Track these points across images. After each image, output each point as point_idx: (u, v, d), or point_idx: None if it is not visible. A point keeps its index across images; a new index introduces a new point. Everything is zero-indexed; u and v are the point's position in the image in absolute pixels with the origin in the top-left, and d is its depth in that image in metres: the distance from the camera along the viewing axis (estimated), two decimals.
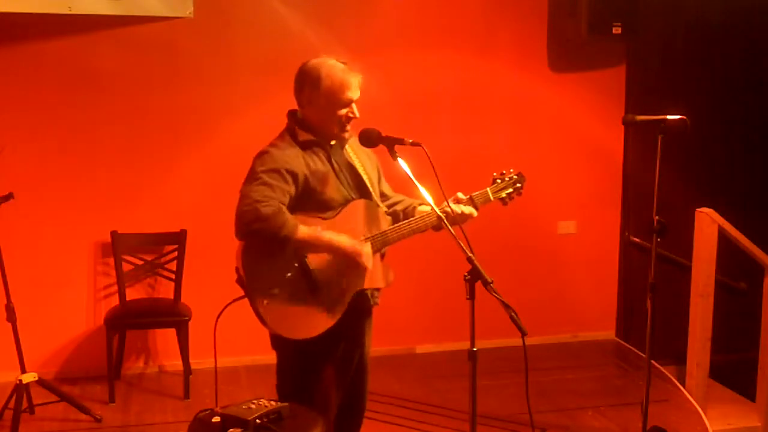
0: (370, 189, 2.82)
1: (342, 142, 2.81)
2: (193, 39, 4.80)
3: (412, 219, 2.83)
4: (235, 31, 4.88)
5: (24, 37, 4.61)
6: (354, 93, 2.71)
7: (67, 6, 4.44)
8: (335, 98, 2.68)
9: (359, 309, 2.77)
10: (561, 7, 5.23)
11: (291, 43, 4.79)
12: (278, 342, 2.74)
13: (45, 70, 4.66)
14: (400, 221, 2.88)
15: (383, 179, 3.00)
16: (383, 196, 2.95)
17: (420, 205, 2.95)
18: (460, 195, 2.88)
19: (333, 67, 2.70)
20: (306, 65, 2.73)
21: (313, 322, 2.63)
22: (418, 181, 2.52)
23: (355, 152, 2.85)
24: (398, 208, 2.97)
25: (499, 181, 3.02)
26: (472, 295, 2.37)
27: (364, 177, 2.82)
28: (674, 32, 5.42)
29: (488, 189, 2.99)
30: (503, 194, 3.02)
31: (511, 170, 3.06)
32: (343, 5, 5.00)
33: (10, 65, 4.61)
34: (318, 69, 2.69)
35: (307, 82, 2.70)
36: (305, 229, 2.57)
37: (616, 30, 5.04)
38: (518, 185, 3.05)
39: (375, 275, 2.78)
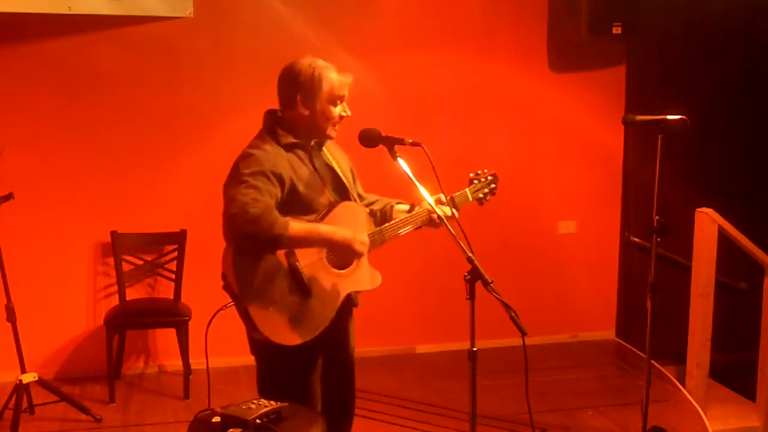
0: (349, 190, 2.82)
1: (322, 143, 2.80)
2: (193, 39, 4.80)
3: (400, 220, 2.82)
4: (235, 31, 4.88)
5: (24, 37, 4.61)
6: (346, 92, 2.73)
7: (67, 6, 4.44)
8: (333, 97, 2.68)
9: (343, 310, 2.76)
10: (561, 7, 5.23)
11: (291, 43, 4.79)
12: (261, 347, 2.71)
13: (45, 70, 4.67)
14: (378, 221, 2.88)
15: (357, 180, 2.99)
16: (359, 197, 2.95)
17: (398, 203, 2.95)
18: (441, 197, 2.88)
19: (327, 68, 2.69)
20: (298, 67, 2.70)
21: (305, 328, 2.61)
22: (418, 181, 2.52)
23: (331, 153, 2.84)
24: (375, 207, 2.97)
25: (476, 181, 3.07)
26: (472, 295, 2.37)
27: (342, 178, 2.81)
28: (674, 32, 5.42)
29: (467, 189, 3.03)
30: (480, 195, 3.06)
31: (485, 171, 3.10)
32: (343, 5, 5.00)
33: (10, 65, 4.61)
34: (314, 71, 2.67)
35: (303, 85, 2.67)
36: (296, 224, 2.54)
37: (616, 30, 5.04)
38: (493, 186, 3.10)
39: (365, 277, 2.77)
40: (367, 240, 2.68)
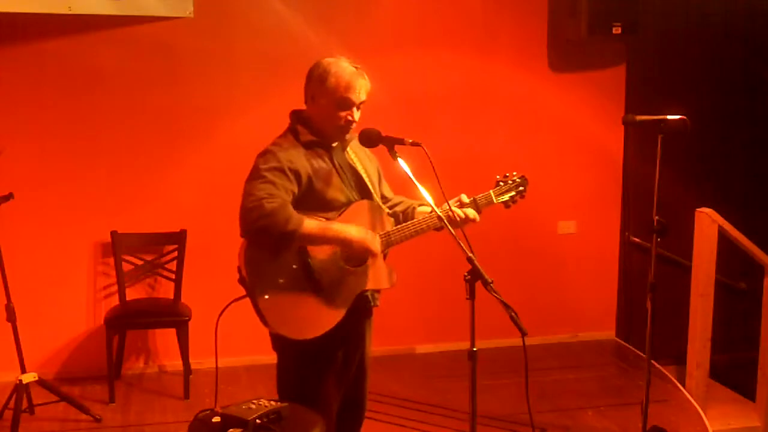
0: (372, 190, 2.82)
1: (343, 144, 2.81)
2: (193, 39, 4.80)
3: (415, 221, 2.82)
4: (235, 31, 4.88)
5: (24, 37, 4.61)
6: (357, 97, 2.69)
7: (67, 6, 4.45)
8: (338, 97, 2.67)
9: (360, 310, 2.77)
10: (561, 7, 5.23)
11: (291, 43, 4.79)
12: (279, 343, 2.74)
13: (45, 70, 4.67)
14: (400, 222, 2.88)
15: (384, 181, 3.00)
16: (384, 198, 2.95)
17: (420, 206, 2.95)
18: (463, 198, 2.87)
19: (344, 68, 2.69)
20: (318, 63, 2.74)
21: (315, 323, 2.62)
22: (419, 181, 2.52)
23: (356, 154, 2.85)
24: (398, 209, 2.98)
25: (502, 183, 3.00)
26: (472, 295, 2.37)
27: (366, 178, 2.82)
28: (674, 32, 5.42)
29: (491, 192, 2.97)
30: (506, 197, 2.99)
31: (514, 173, 3.04)
32: (343, 5, 5.00)
33: (10, 65, 4.61)
34: (328, 66, 2.69)
35: (315, 76, 2.70)
36: (311, 222, 2.56)
37: (616, 30, 5.04)
38: (521, 188, 3.02)
39: (379, 276, 2.78)
40: (378, 240, 2.68)
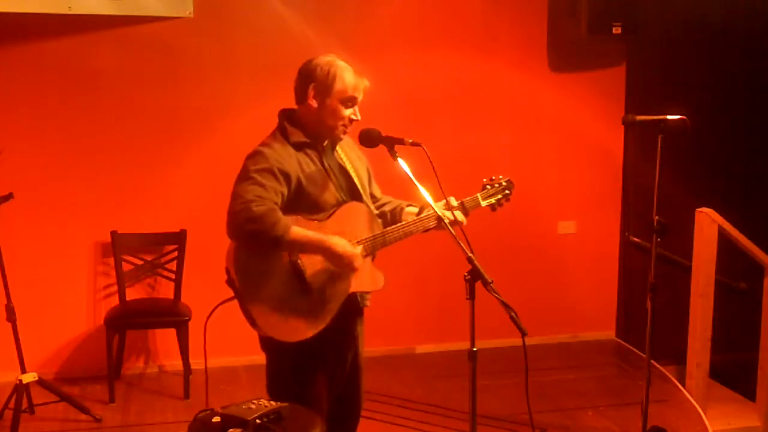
0: (361, 191, 2.81)
1: (335, 144, 2.80)
2: (193, 39, 4.80)
3: (407, 222, 2.82)
4: (235, 31, 4.89)
5: (24, 37, 4.62)
6: (360, 94, 2.72)
7: (67, 6, 4.45)
8: (346, 97, 2.67)
9: (349, 311, 2.76)
10: (561, 7, 5.23)
11: (291, 43, 4.79)
12: (268, 344, 2.73)
13: (45, 70, 4.67)
14: (387, 222, 2.88)
15: (373, 181, 2.99)
16: (372, 198, 2.95)
17: (408, 206, 2.95)
18: (452, 200, 2.87)
19: (345, 69, 2.69)
20: (316, 62, 2.71)
21: (305, 325, 2.61)
22: (418, 181, 2.52)
23: (345, 154, 2.85)
24: (386, 209, 2.97)
25: (489, 187, 3.04)
26: (472, 295, 2.37)
27: (355, 179, 2.81)
28: (674, 32, 5.42)
29: (478, 195, 3.01)
30: (493, 200, 3.03)
31: (500, 176, 3.07)
32: (343, 5, 5.00)
33: (10, 65, 4.61)
34: (330, 68, 2.68)
35: (317, 78, 2.68)
36: (297, 229, 2.55)
37: (616, 30, 5.04)
38: (507, 192, 3.06)
39: (368, 278, 2.77)
40: (361, 256, 2.66)
